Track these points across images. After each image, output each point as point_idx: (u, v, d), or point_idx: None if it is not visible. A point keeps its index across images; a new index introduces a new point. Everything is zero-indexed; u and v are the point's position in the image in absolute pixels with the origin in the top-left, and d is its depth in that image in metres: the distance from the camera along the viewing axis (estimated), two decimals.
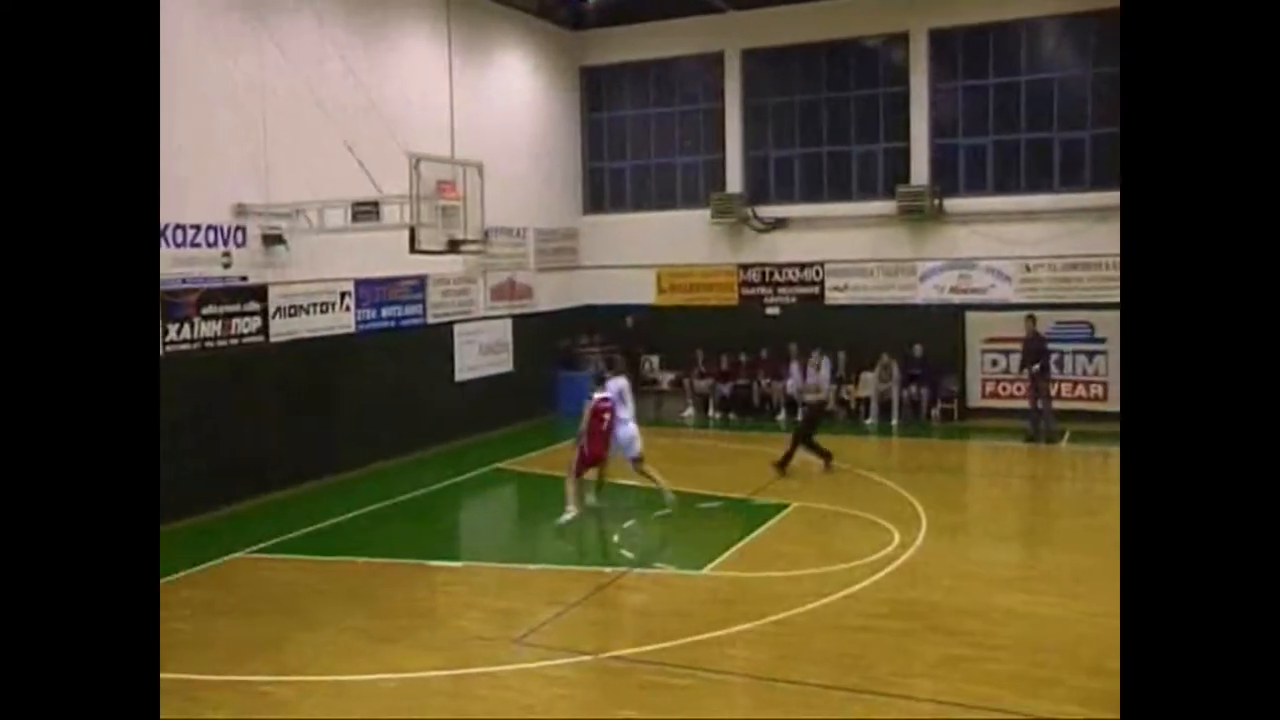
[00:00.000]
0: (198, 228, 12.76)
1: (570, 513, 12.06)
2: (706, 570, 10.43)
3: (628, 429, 12.62)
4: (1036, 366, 16.79)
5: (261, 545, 11.54)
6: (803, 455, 14.76)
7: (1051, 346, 17.12)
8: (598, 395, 12.45)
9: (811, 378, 15.67)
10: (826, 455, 14.81)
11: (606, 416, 12.25)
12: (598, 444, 12.24)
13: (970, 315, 18.35)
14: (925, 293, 18.81)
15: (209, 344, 12.90)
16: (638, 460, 12.64)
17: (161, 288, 12.26)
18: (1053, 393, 16.95)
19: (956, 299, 18.52)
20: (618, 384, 12.80)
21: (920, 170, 18.78)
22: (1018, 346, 17.30)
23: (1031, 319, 17.07)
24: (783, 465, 14.62)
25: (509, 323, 18.87)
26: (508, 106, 19.07)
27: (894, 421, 18.42)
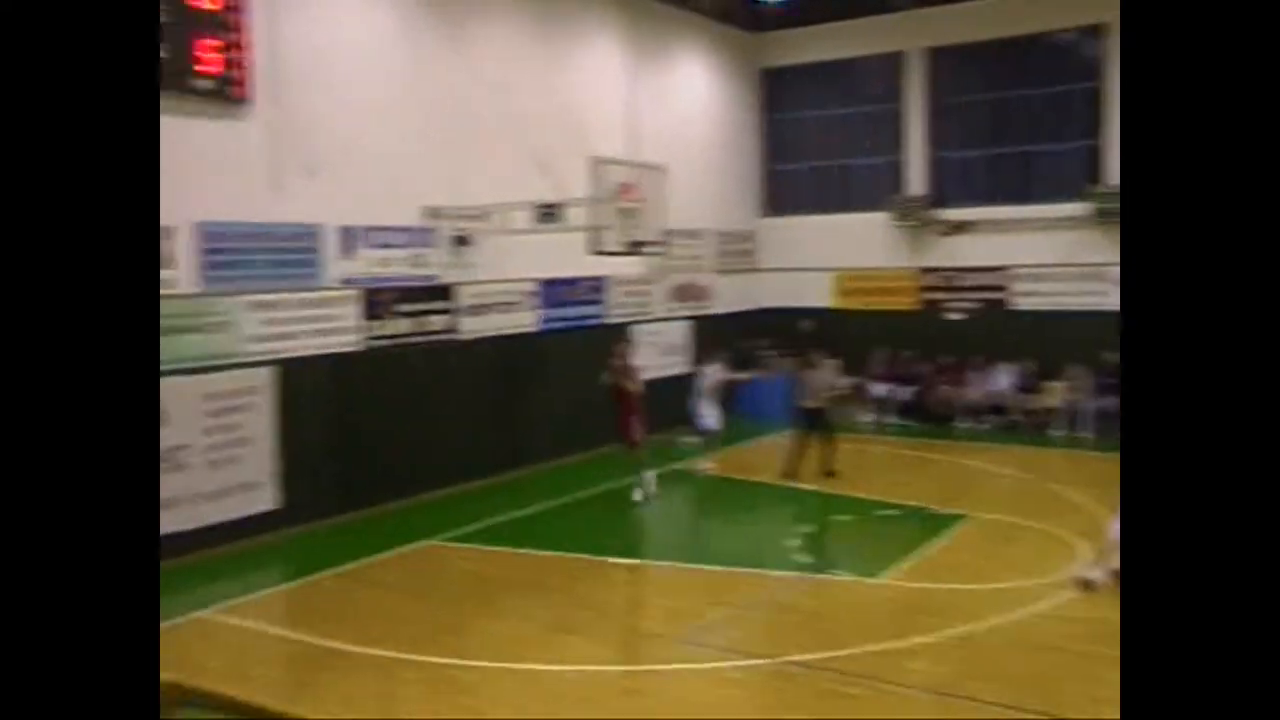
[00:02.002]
0: (394, 229, 13.45)
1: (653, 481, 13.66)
2: (884, 578, 10.25)
3: None
4: None
5: (449, 534, 12.05)
6: (991, 469, 14.27)
7: None
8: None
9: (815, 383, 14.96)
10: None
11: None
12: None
13: None
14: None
15: (403, 340, 13.57)
16: None
17: (362, 286, 12.99)
18: None
19: None
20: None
21: (1116, 170, 17.86)
22: None
23: None
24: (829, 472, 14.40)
25: (687, 324, 19.02)
26: (687, 109, 19.23)
27: (1083, 433, 17.57)
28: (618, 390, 13.65)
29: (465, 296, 14.50)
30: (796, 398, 14.97)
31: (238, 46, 11.39)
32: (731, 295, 20.37)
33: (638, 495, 13.55)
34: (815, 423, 14.61)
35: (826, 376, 15.02)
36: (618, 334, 14.55)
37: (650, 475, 13.73)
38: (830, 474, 14.37)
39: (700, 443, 15.53)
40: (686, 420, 18.23)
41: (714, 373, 15.57)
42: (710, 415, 15.33)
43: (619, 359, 13.96)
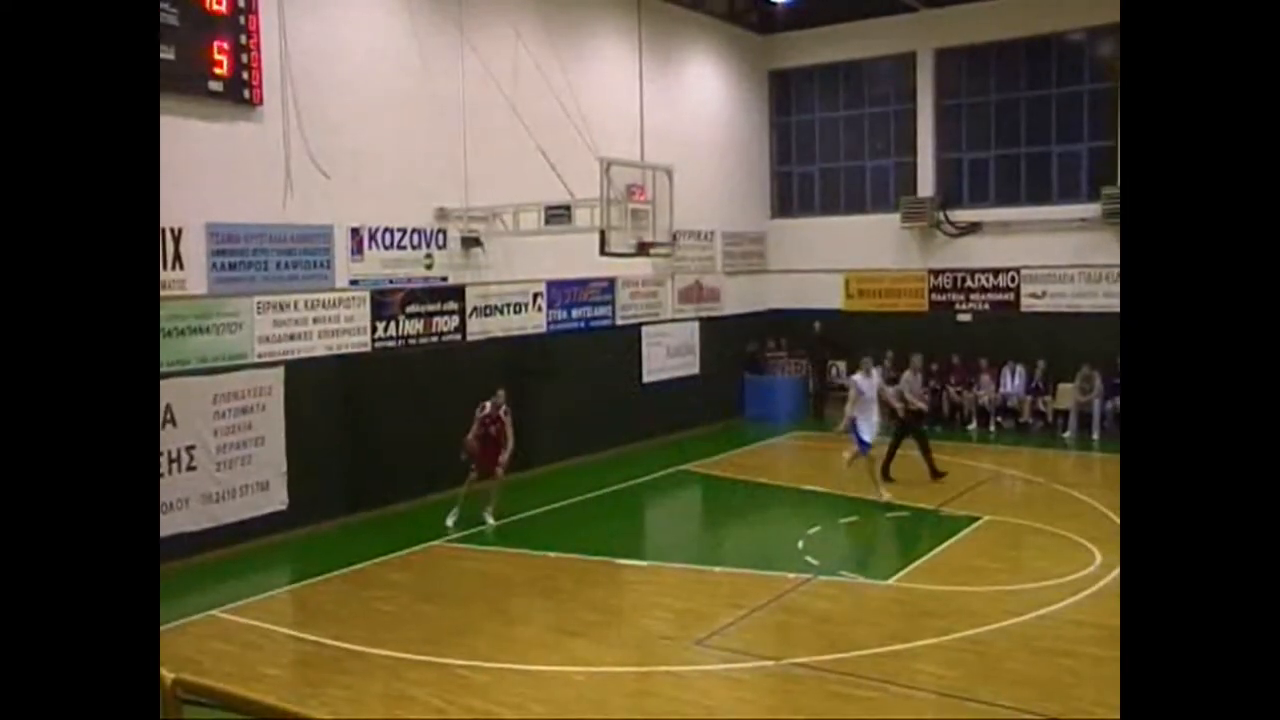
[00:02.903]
0: (403, 231, 13.47)
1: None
2: (893, 581, 10.22)
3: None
4: None
5: (457, 535, 12.05)
6: (1002, 471, 14.23)
7: None
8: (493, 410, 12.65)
9: (914, 386, 14.89)
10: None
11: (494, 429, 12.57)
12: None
13: None
14: None
15: (411, 341, 13.59)
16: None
17: (371, 288, 13.01)
18: None
19: None
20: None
21: None
22: None
23: None
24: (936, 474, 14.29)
25: (696, 325, 19.01)
26: (696, 110, 19.22)
27: (1095, 436, 17.48)
28: (486, 439, 12.55)
29: (474, 297, 14.51)
30: (908, 400, 14.77)
31: (249, 49, 11.43)
32: (741, 297, 20.35)
33: (450, 520, 12.44)
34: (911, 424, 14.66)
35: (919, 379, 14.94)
36: (494, 387, 12.87)
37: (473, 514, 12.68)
38: (890, 479, 14.21)
39: (860, 457, 13.65)
40: (694, 421, 18.29)
41: (869, 385, 13.75)
42: (869, 429, 13.49)
43: (492, 415, 12.61)
